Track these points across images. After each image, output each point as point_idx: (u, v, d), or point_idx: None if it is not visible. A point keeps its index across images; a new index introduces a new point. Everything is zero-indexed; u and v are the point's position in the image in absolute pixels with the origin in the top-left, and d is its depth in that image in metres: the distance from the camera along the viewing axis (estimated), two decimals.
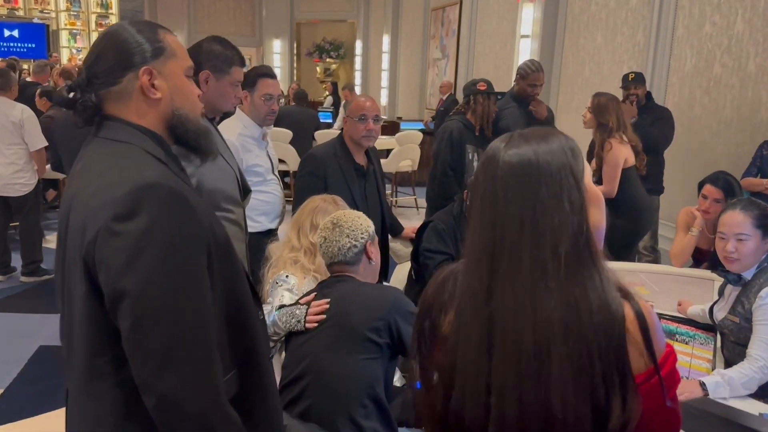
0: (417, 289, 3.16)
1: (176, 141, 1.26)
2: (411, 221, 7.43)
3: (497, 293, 0.95)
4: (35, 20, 12.79)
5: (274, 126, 7.23)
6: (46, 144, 4.79)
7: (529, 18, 6.59)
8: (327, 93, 12.19)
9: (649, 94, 4.38)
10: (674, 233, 4.64)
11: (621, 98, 4.27)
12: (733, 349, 2.12)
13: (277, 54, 14.58)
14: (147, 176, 1.11)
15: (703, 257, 3.16)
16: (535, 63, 4.07)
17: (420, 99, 10.74)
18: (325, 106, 10.66)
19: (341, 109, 8.81)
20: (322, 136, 7.33)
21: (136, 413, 1.11)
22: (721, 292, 2.26)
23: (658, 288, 2.92)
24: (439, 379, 1.03)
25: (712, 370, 2.16)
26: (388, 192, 7.95)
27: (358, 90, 13.62)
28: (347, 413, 1.72)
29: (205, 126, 1.31)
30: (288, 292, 2.03)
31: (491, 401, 0.94)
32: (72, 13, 13.14)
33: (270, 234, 2.88)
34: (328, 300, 1.86)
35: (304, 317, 1.83)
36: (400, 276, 3.34)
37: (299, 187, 2.86)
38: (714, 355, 2.26)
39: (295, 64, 15.00)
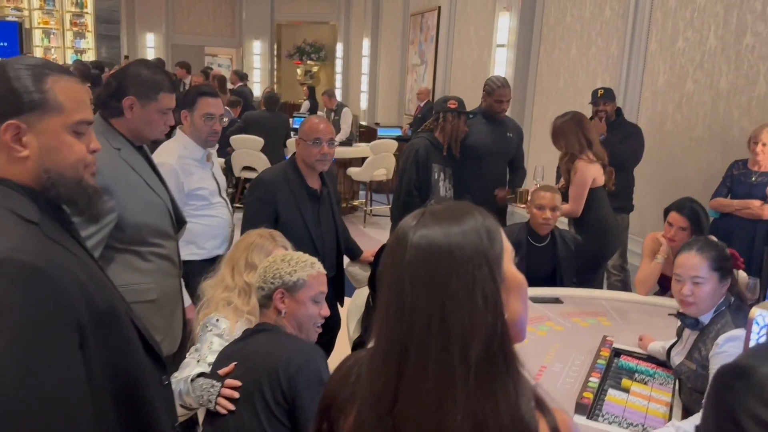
0: (373, 317, 3.04)
1: (49, 202, 1.13)
2: (385, 230, 7.34)
3: (401, 400, 0.84)
4: (8, 18, 12.52)
5: (244, 132, 7.11)
6: None
7: (505, 27, 6.50)
8: (304, 97, 12.05)
9: (619, 110, 4.30)
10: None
11: (591, 114, 4.20)
12: (691, 395, 2.02)
13: (257, 55, 14.42)
14: None
15: (668, 284, 3.07)
16: (501, 79, 3.98)
17: (399, 104, 10.64)
18: (301, 111, 10.50)
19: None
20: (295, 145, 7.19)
21: None
22: (679, 334, 2.16)
23: (621, 319, 2.83)
24: None
25: (669, 414, 2.07)
26: (362, 201, 7.85)
27: (338, 94, 13.50)
28: None
29: (89, 188, 1.16)
30: (218, 338, 1.90)
31: None
32: (45, 11, 12.86)
33: (218, 260, 2.75)
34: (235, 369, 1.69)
35: (216, 397, 1.67)
36: (358, 301, 3.23)
37: (247, 213, 2.74)
38: (672, 397, 2.17)
39: (275, 66, 14.83)
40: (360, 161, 7.44)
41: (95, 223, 1.27)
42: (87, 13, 13.15)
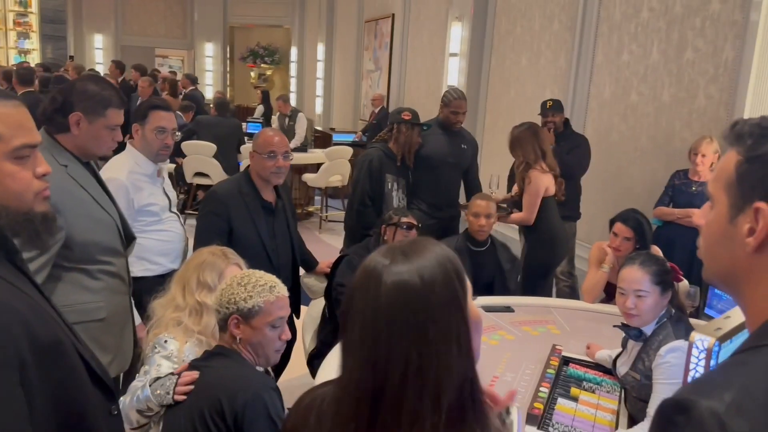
0: (330, 329, 3.05)
1: None
2: (341, 236, 7.32)
3: None
4: None
5: (195, 138, 7.00)
6: None
7: (457, 36, 6.59)
8: (257, 101, 11.93)
9: (567, 122, 4.42)
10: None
11: (540, 125, 4.31)
12: (636, 404, 2.10)
13: (209, 57, 14.20)
14: None
15: (614, 292, 3.17)
16: (458, 91, 4.06)
17: (354, 109, 10.66)
18: (255, 116, 10.39)
19: (275, 122, 8.58)
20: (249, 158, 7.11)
21: None
22: (623, 345, 2.24)
23: (569, 327, 2.91)
24: None
25: (616, 422, 2.14)
26: (318, 207, 7.83)
27: (292, 99, 13.41)
28: None
29: (36, 218, 1.12)
30: (166, 360, 1.87)
31: None
32: None
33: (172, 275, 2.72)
34: (197, 374, 1.69)
35: (173, 388, 1.67)
36: (314, 312, 3.23)
37: (200, 227, 2.71)
38: (619, 405, 2.24)
39: (227, 69, 14.65)
40: (315, 167, 7.43)
41: (44, 251, 1.23)
42: (31, 12, 12.74)
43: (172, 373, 1.72)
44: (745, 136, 0.83)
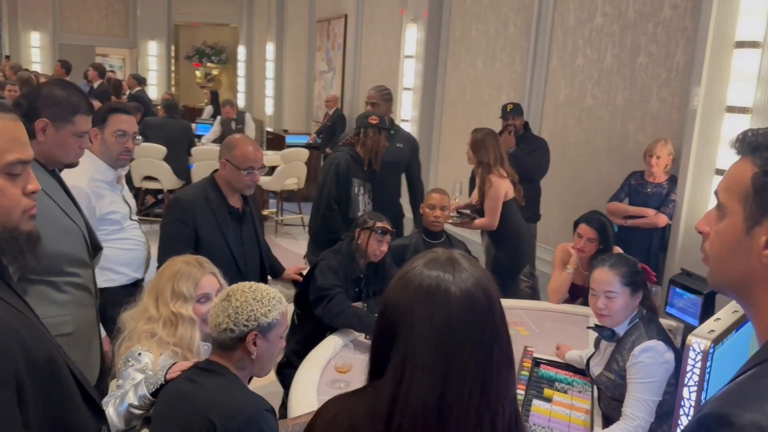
0: (298, 337, 3.00)
1: None
2: (298, 241, 7.25)
3: None
4: None
5: (144, 140, 6.78)
6: None
7: (412, 38, 6.61)
8: (206, 101, 11.67)
9: (526, 125, 4.50)
10: (551, 255, 4.81)
11: (500, 128, 4.37)
12: (610, 404, 2.14)
13: (153, 57, 13.79)
14: None
15: (578, 293, 3.25)
16: (381, 87, 4.26)
17: (307, 111, 10.56)
18: (203, 117, 10.16)
19: (215, 125, 8.41)
20: (203, 153, 6.94)
21: None
22: (596, 345, 2.29)
23: (537, 328, 2.96)
24: None
25: (591, 422, 2.18)
26: (273, 210, 7.71)
27: (240, 99, 13.20)
28: None
29: (22, 237, 1.07)
30: (140, 373, 1.80)
31: None
32: None
33: (137, 285, 2.62)
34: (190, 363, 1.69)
35: (166, 372, 1.66)
36: None
37: (165, 234, 2.62)
38: (592, 405, 2.29)
39: (172, 68, 14.28)
40: (270, 170, 7.32)
41: (28, 273, 1.16)
42: None
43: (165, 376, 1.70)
44: (762, 147, 0.84)
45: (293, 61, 11.18)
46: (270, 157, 7.55)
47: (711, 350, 1.18)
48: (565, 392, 2.39)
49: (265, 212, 7.83)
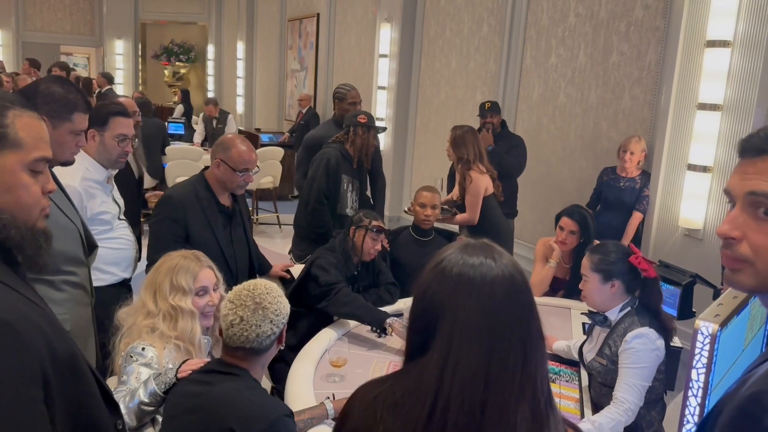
0: (291, 332, 3.02)
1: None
2: (273, 239, 7.23)
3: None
4: None
5: None
6: None
7: (386, 38, 6.66)
8: (176, 100, 11.53)
9: (504, 123, 4.58)
10: (527, 250, 4.91)
11: (478, 126, 4.44)
12: (600, 390, 2.21)
13: (119, 55, 13.55)
14: None
15: (559, 285, 3.34)
16: (349, 84, 4.26)
17: (279, 109, 10.52)
18: (175, 116, 10.05)
19: (199, 123, 8.34)
20: (177, 153, 6.87)
21: None
22: (589, 333, 2.36)
23: None
24: None
25: (581, 410, 2.25)
26: (249, 208, 7.68)
27: (211, 96, 13.06)
28: None
29: (40, 235, 1.08)
30: (145, 368, 1.80)
31: None
32: None
33: (124, 284, 2.61)
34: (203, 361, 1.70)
35: (177, 370, 1.68)
36: None
37: (155, 233, 2.61)
38: (581, 394, 2.36)
39: (140, 67, 14.06)
40: None
41: (40, 274, 1.18)
42: None
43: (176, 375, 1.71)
44: None
45: (264, 59, 11.12)
46: None
47: (718, 333, 1.25)
48: (554, 382, 2.46)
49: None
